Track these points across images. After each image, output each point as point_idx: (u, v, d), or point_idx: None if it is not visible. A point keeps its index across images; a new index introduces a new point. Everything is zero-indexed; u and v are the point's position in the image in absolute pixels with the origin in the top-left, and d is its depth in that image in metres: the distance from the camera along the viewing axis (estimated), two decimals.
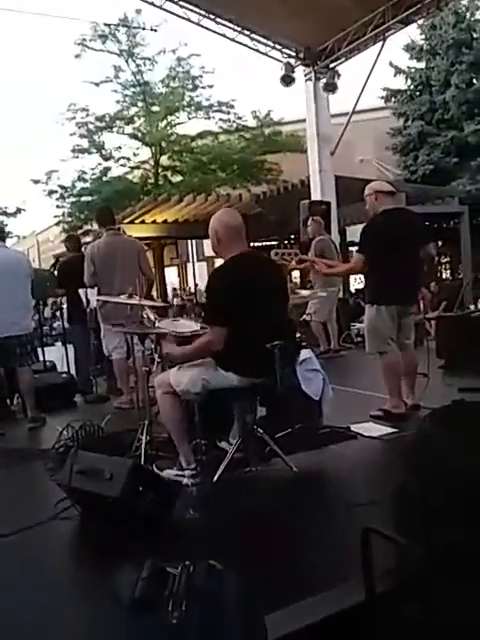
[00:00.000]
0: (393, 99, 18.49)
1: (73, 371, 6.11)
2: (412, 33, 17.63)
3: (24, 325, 4.83)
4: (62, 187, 17.70)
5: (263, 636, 1.47)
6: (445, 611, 1.41)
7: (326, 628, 1.52)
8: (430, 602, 1.43)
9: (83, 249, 6.34)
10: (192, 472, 3.16)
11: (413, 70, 18.11)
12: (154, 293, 12.55)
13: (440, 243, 17.28)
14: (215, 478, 3.09)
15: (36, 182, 17.63)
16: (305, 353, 3.67)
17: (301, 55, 10.54)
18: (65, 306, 6.31)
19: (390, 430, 3.88)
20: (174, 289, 19.35)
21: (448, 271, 17.68)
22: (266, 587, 2.02)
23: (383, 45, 9.56)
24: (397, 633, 1.43)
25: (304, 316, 7.45)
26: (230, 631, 1.76)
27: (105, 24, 16.38)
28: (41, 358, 6.21)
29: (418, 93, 17.93)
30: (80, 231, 16.35)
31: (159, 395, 3.27)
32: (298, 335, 4.08)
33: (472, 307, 7.96)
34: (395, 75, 18.12)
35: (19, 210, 19.59)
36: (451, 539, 1.40)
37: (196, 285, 18.96)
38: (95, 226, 6.31)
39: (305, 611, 1.60)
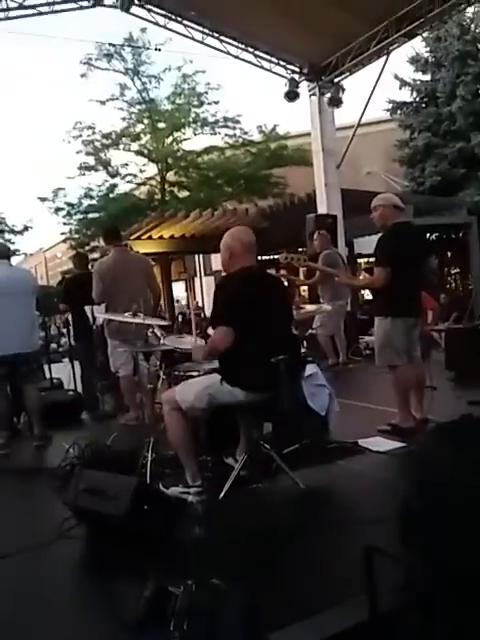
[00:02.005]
0: (399, 111, 18.54)
1: (80, 388, 6.11)
2: (417, 46, 17.73)
3: (29, 343, 4.82)
4: (69, 204, 17.82)
5: None
6: (450, 630, 1.38)
7: None
8: (435, 621, 1.40)
9: (90, 266, 6.37)
10: (198, 489, 3.14)
11: (418, 82, 18.16)
12: (162, 306, 12.57)
13: (449, 254, 17.21)
14: (221, 495, 3.06)
15: (43, 200, 17.77)
16: (311, 368, 3.65)
17: (305, 70, 10.63)
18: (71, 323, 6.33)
19: (398, 445, 3.83)
20: (178, 302, 19.33)
21: (457, 282, 17.59)
22: (271, 605, 2.00)
23: (387, 59, 9.63)
24: None
25: (310, 330, 7.42)
26: None
27: (110, 44, 16.59)
28: (48, 375, 6.20)
29: (424, 105, 17.95)
30: (87, 248, 16.46)
31: (166, 412, 3.26)
32: (303, 350, 4.06)
33: None
34: (400, 87, 18.18)
35: (26, 228, 19.82)
36: (454, 557, 1.37)
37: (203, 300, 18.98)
38: (102, 242, 6.33)
39: (309, 630, 1.58)
